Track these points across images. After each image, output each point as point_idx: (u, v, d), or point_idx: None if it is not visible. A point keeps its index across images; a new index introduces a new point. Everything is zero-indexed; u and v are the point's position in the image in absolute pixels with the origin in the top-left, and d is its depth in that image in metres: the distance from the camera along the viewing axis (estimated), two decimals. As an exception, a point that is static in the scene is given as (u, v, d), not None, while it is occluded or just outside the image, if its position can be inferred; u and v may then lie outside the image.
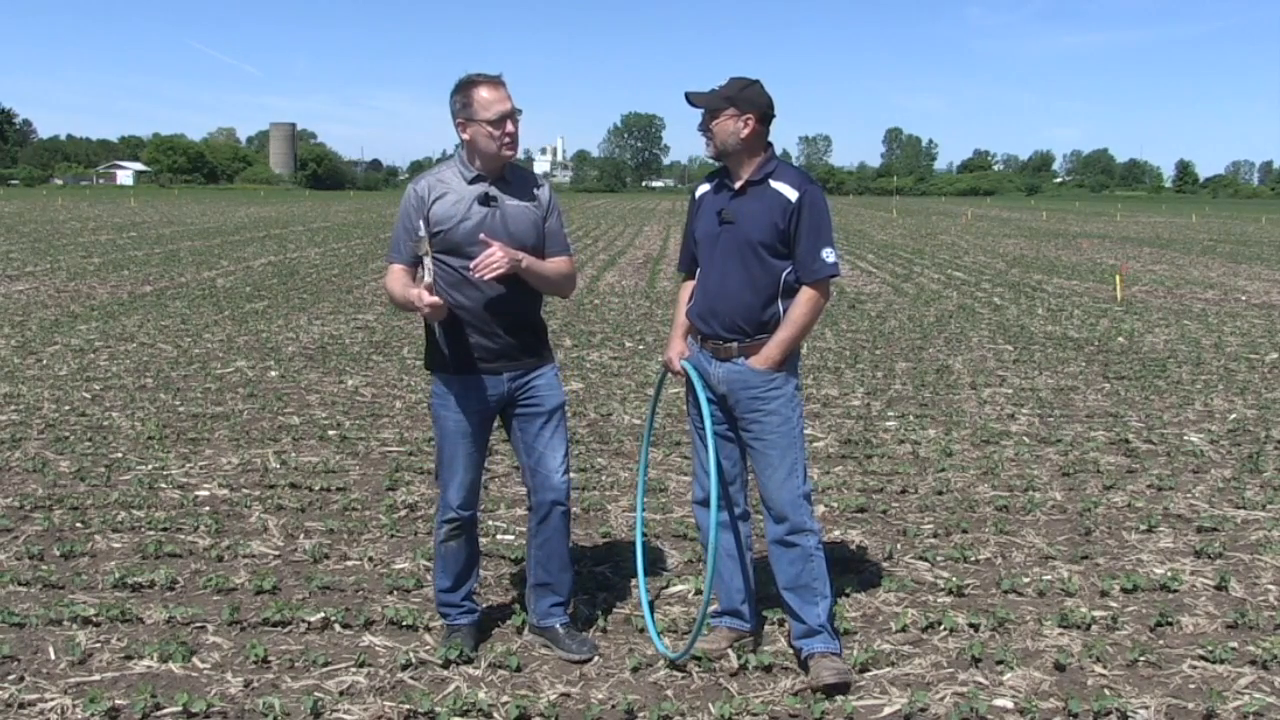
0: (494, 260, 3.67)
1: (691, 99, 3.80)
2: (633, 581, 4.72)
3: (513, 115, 3.78)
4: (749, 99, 3.74)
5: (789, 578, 3.88)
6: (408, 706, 3.58)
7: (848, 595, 4.60)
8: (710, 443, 3.74)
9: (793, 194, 3.73)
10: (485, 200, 3.82)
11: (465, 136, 3.79)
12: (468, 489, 3.98)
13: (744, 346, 3.82)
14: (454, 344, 3.86)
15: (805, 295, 3.77)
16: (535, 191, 3.96)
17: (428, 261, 3.75)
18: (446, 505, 3.99)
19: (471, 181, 3.83)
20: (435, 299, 3.69)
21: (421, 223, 3.78)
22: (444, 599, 4.10)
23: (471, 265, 3.72)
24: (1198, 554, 5.16)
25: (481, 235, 3.75)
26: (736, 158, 3.81)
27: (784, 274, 3.77)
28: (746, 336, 3.81)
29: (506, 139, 3.78)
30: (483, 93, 3.74)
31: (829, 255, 3.75)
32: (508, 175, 3.90)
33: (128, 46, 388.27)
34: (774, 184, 3.77)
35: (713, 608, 4.23)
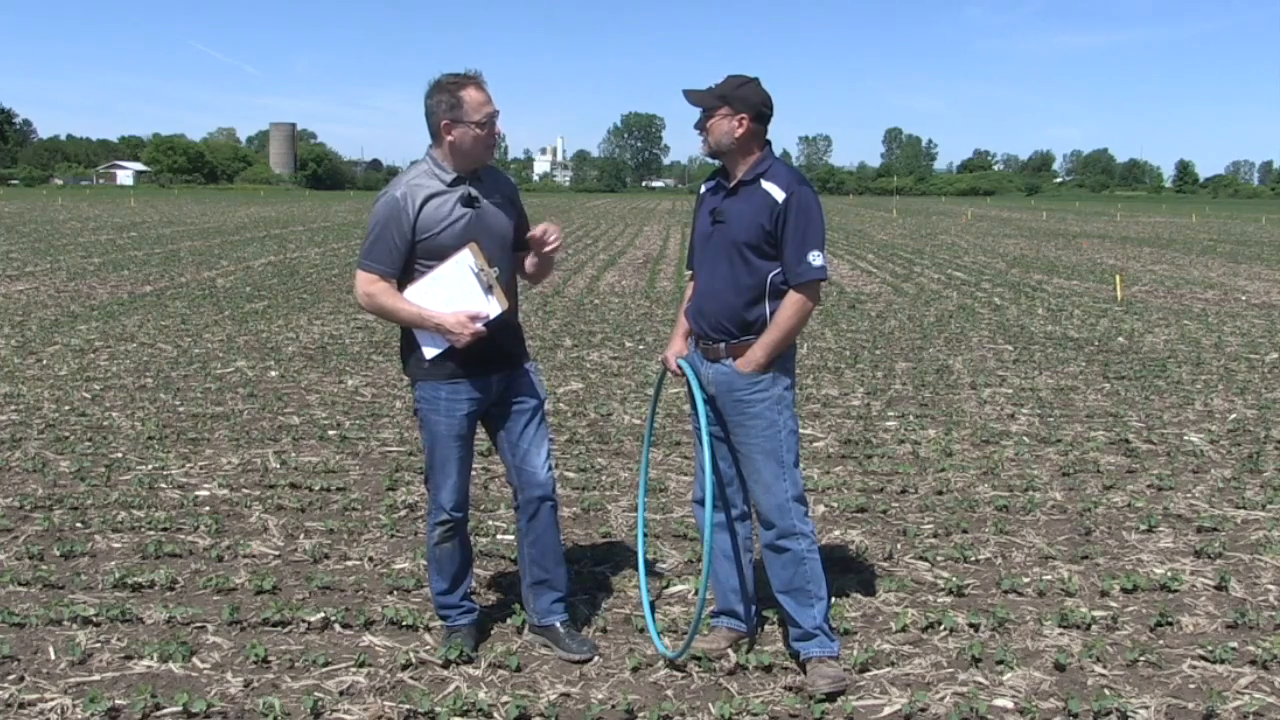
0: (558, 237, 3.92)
1: (688, 97, 3.79)
2: (633, 581, 4.72)
3: (496, 116, 3.79)
4: (744, 98, 3.72)
5: (783, 581, 3.88)
6: (408, 706, 3.58)
7: (848, 595, 4.60)
8: (705, 442, 3.74)
9: (780, 194, 3.70)
10: (469, 201, 3.80)
11: (450, 138, 3.74)
12: (460, 491, 3.98)
13: (731, 347, 3.80)
14: (445, 351, 3.85)
15: (791, 299, 3.73)
16: (508, 189, 4.01)
17: (497, 296, 3.77)
18: (439, 508, 3.98)
19: (452, 183, 3.80)
20: (484, 330, 3.75)
21: (475, 254, 3.75)
22: (442, 600, 4.10)
23: (548, 241, 3.90)
24: (1198, 554, 5.16)
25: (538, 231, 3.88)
26: (731, 157, 3.79)
27: (771, 275, 3.74)
28: (732, 337, 3.80)
29: (493, 140, 3.80)
30: (473, 94, 3.72)
31: (816, 258, 3.70)
32: (481, 174, 3.89)
33: (128, 46, 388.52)
34: (764, 184, 3.74)
35: (711, 608, 4.23)
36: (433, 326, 3.77)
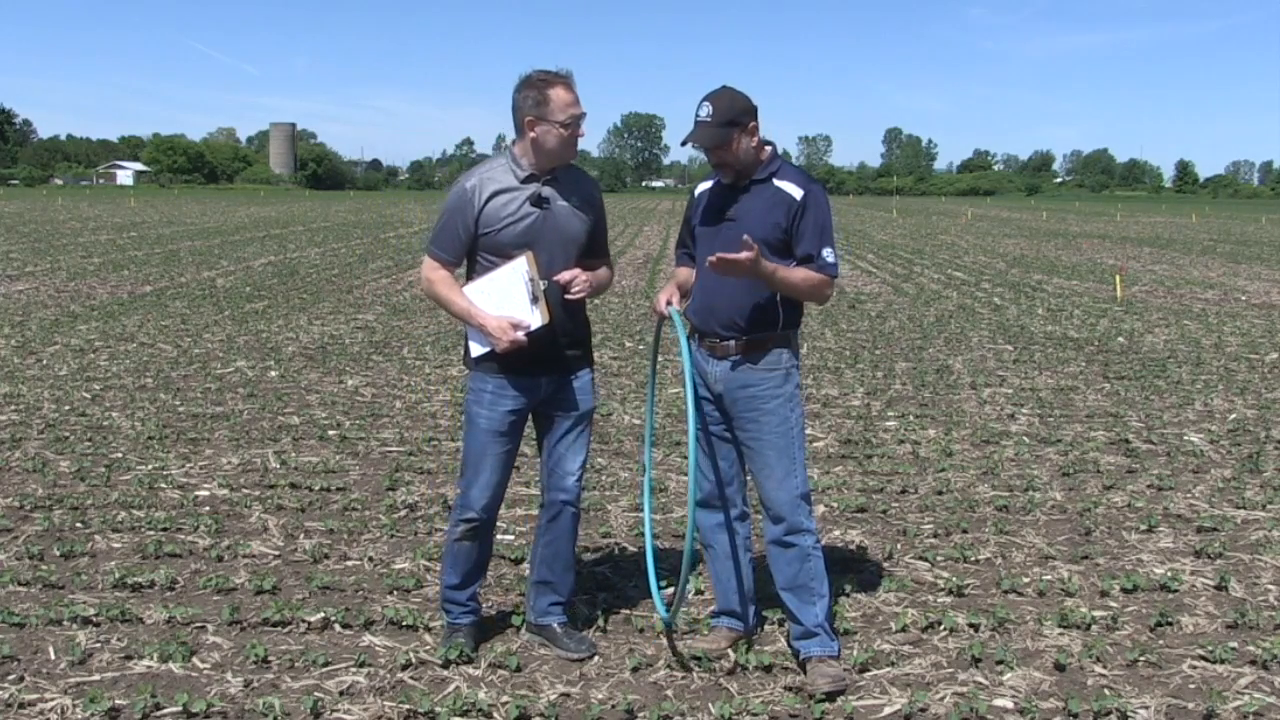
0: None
1: (703, 141, 3.71)
2: (633, 582, 4.73)
3: (582, 118, 3.76)
4: (742, 109, 3.73)
5: (786, 578, 3.88)
6: (408, 706, 3.58)
7: (848, 595, 4.60)
8: (690, 398, 3.66)
9: (798, 192, 3.74)
10: (538, 201, 3.78)
11: (532, 134, 3.72)
12: (491, 491, 3.95)
13: (741, 345, 3.81)
14: (488, 352, 3.84)
15: (810, 271, 3.74)
16: (587, 192, 3.95)
17: (541, 308, 3.74)
18: (466, 504, 3.96)
19: (524, 180, 3.78)
20: (524, 340, 3.73)
21: (530, 263, 3.72)
22: (449, 595, 4.10)
23: (571, 290, 3.80)
24: (1198, 554, 5.16)
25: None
26: (751, 166, 3.80)
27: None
28: (743, 335, 3.80)
29: (575, 141, 3.77)
30: (561, 93, 3.70)
31: (829, 255, 3.75)
32: (559, 174, 3.85)
33: (128, 46, 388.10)
34: (777, 182, 3.77)
35: (711, 608, 4.24)
36: (477, 325, 3.79)
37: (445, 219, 3.83)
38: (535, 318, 3.77)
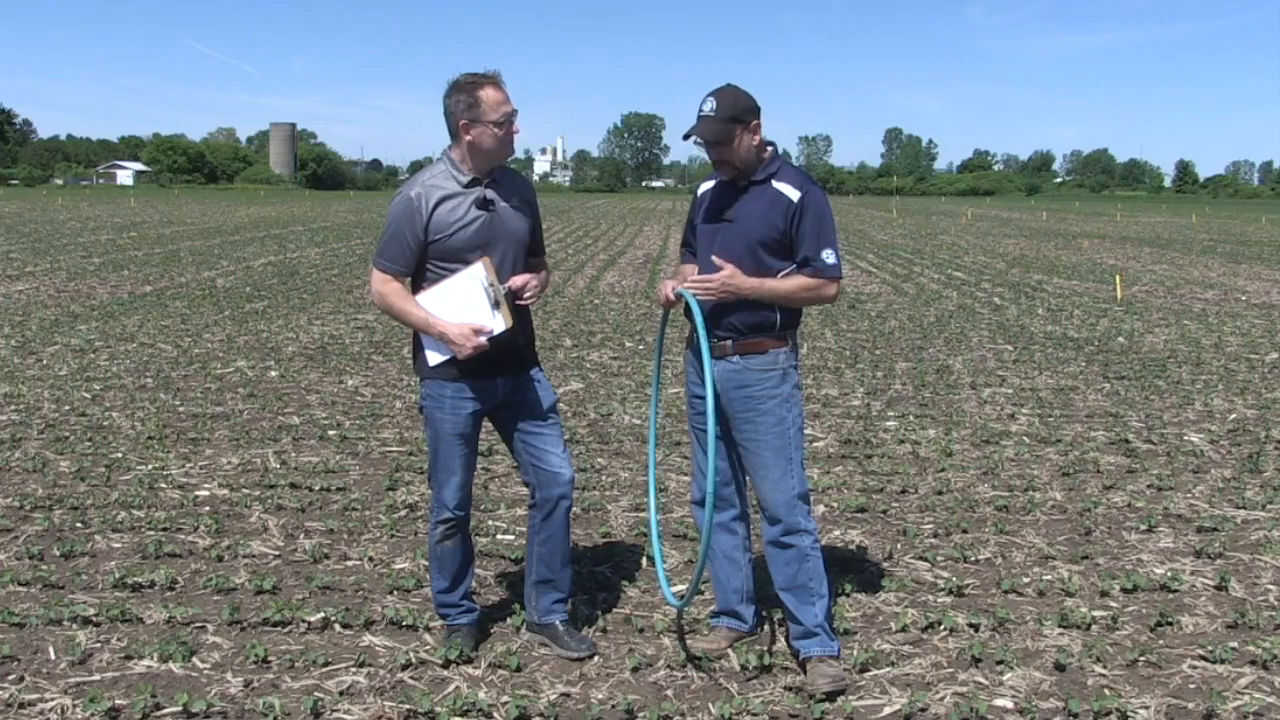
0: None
1: (706, 135, 3.70)
2: (634, 582, 4.73)
3: (514, 115, 3.78)
4: (745, 108, 3.73)
5: (785, 578, 3.88)
6: (408, 706, 3.58)
7: (848, 595, 4.60)
8: (709, 377, 3.65)
9: (795, 194, 3.73)
10: (484, 204, 3.80)
11: (468, 138, 3.75)
12: (462, 489, 3.99)
13: (738, 345, 3.80)
14: (448, 360, 3.85)
15: (804, 276, 3.75)
16: (524, 191, 3.99)
17: (503, 312, 3.75)
18: (442, 506, 3.99)
19: (467, 185, 3.80)
20: (486, 345, 3.74)
21: (487, 271, 3.74)
22: (442, 599, 4.10)
23: (524, 295, 3.83)
24: (1198, 554, 5.16)
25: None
26: (752, 165, 3.80)
27: (781, 275, 3.76)
28: (740, 335, 3.80)
29: (511, 139, 3.78)
30: (491, 93, 3.72)
31: (829, 256, 3.74)
32: (497, 176, 3.88)
33: (128, 46, 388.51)
34: (776, 184, 3.76)
35: (711, 608, 4.24)
36: (437, 334, 3.78)
37: (392, 230, 3.81)
38: (498, 322, 3.77)
